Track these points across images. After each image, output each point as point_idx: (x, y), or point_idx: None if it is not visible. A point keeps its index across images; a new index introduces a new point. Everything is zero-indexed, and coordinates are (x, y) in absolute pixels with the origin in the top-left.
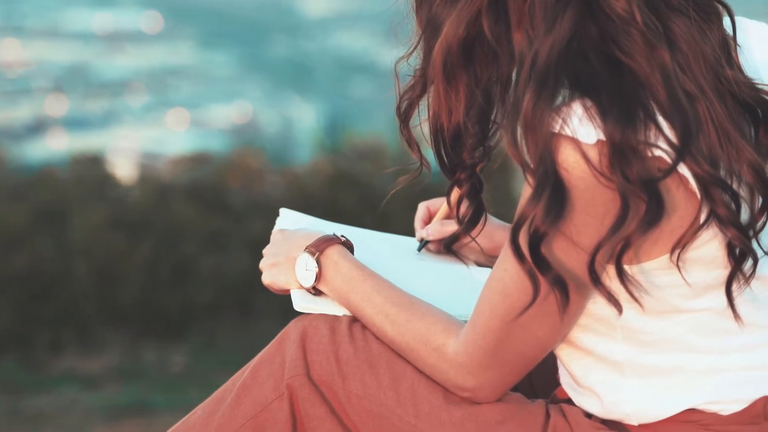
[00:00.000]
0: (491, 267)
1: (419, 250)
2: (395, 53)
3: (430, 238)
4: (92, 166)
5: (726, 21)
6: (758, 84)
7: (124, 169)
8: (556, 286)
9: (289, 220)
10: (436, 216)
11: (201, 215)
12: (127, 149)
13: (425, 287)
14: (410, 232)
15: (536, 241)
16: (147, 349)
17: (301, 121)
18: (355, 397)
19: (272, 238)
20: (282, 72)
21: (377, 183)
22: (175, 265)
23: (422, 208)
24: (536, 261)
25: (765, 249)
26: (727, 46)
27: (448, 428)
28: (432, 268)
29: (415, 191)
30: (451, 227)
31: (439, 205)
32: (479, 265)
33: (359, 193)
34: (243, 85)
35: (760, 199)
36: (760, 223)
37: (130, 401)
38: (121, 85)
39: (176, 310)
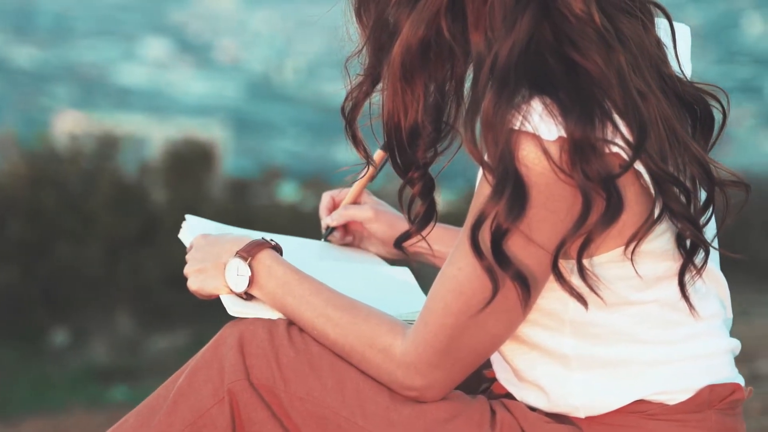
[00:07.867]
0: (387, 258)
1: (325, 238)
2: (26, 51)
3: (334, 223)
4: None
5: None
6: (697, 83)
7: None
8: (516, 282)
9: (195, 225)
10: (341, 203)
11: None
12: None
13: (350, 288)
14: (115, 231)
15: (498, 238)
16: None
17: None
18: (298, 401)
19: (195, 242)
20: None
21: (77, 183)
22: None
23: (326, 197)
24: (497, 258)
25: (708, 242)
26: (661, 46)
27: (397, 428)
28: (349, 269)
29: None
30: (353, 211)
31: (343, 195)
32: (383, 258)
33: (58, 194)
34: None
35: (704, 194)
36: (704, 217)
37: None
38: None
39: None
